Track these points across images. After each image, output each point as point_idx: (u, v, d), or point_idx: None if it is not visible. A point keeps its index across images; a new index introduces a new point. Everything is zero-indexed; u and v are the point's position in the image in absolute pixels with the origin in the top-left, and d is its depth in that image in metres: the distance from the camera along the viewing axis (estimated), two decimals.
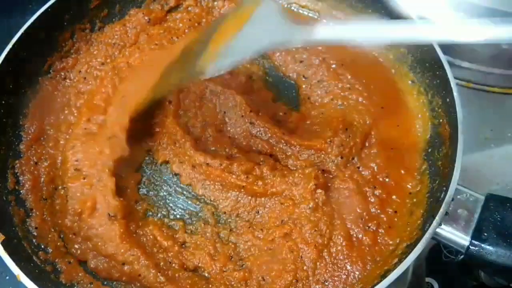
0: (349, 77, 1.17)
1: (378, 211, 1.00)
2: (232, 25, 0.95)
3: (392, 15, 1.15)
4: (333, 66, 1.20)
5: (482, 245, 0.86)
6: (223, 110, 1.15)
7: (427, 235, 0.85)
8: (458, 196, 0.90)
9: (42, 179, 1.07)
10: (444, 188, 0.89)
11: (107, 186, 1.02)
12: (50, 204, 1.05)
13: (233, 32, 0.93)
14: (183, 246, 1.02)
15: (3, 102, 1.07)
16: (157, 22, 1.28)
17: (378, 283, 0.82)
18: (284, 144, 1.09)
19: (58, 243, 1.01)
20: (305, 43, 0.92)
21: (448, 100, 1.00)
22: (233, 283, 0.96)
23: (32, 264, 0.94)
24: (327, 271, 0.95)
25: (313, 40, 0.85)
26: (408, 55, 1.15)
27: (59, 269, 0.97)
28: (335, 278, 0.94)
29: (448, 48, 1.19)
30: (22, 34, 1.08)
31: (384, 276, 0.84)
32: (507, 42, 0.81)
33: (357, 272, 0.94)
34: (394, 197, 1.02)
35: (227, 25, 0.96)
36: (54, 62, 1.19)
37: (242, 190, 1.04)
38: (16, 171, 1.06)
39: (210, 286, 0.96)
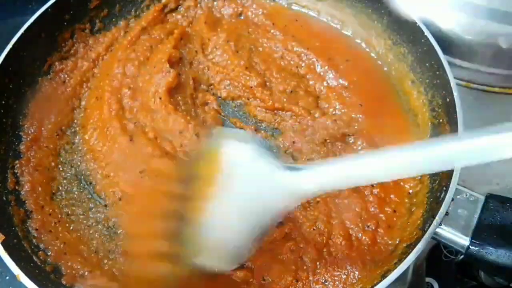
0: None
1: (377, 210, 1.00)
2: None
3: (392, 15, 1.15)
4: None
5: (482, 245, 0.86)
6: None
7: (427, 235, 0.85)
8: (458, 196, 0.90)
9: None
10: (444, 188, 0.89)
11: None
12: None
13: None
14: None
15: (3, 102, 1.06)
16: (157, 22, 1.28)
17: (378, 283, 0.82)
18: None
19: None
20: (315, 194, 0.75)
21: (448, 100, 1.00)
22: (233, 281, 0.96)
23: (32, 264, 0.94)
24: (327, 271, 0.94)
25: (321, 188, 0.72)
26: (408, 55, 1.15)
27: (59, 269, 0.96)
28: (335, 278, 0.94)
29: (448, 48, 1.19)
30: (22, 34, 1.08)
31: (384, 276, 0.83)
32: None
33: (356, 272, 0.94)
34: (392, 196, 1.01)
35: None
36: (54, 62, 1.19)
37: None
38: (16, 171, 1.05)
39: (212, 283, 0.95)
